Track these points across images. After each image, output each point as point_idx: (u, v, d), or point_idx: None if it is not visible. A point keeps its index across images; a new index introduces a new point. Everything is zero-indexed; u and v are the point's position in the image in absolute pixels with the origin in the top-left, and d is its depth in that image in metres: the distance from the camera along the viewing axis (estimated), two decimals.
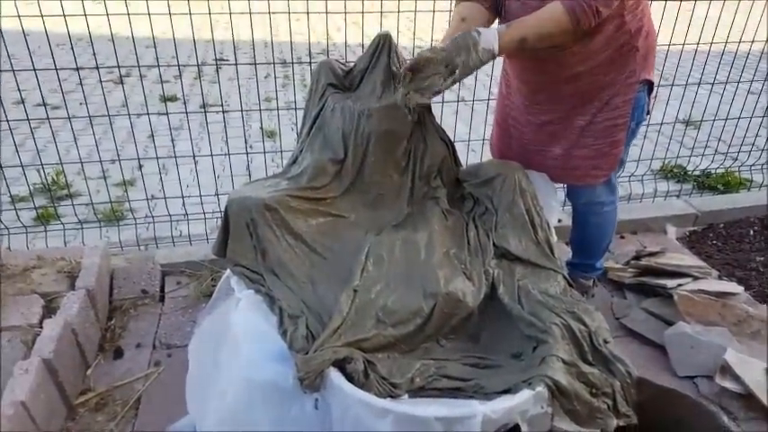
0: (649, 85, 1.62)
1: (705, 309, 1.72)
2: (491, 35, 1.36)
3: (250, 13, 1.96)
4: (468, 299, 1.41)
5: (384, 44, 1.66)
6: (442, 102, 2.30)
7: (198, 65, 2.20)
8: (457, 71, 1.36)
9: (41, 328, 1.69)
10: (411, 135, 1.63)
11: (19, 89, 2.14)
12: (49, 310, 1.85)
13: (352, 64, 1.76)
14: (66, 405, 1.61)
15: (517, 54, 1.52)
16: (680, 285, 1.82)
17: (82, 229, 2.32)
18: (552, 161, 1.69)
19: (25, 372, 1.45)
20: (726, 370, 1.53)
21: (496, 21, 1.60)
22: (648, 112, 1.70)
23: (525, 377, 1.19)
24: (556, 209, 1.73)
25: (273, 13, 1.93)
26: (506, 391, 1.16)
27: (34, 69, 1.98)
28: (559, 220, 2.15)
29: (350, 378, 1.19)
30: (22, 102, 2.16)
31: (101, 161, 2.23)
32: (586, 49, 1.48)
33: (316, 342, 1.24)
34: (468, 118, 2.66)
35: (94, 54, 2.15)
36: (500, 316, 1.43)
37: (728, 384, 1.50)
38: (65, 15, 1.81)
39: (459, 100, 2.44)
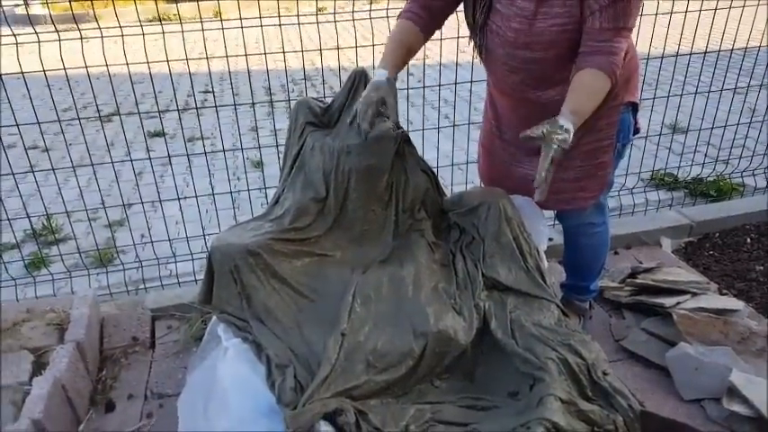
0: (633, 107, 1.60)
1: (706, 327, 1.67)
2: (571, 128, 1.34)
3: (227, 56, 1.96)
4: (460, 336, 1.37)
5: (360, 79, 1.66)
6: (422, 129, 2.28)
7: (178, 109, 2.18)
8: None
9: (31, 385, 1.65)
10: (392, 168, 1.61)
11: (1, 141, 2.12)
12: (39, 365, 1.81)
13: (330, 100, 1.75)
14: None
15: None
16: (678, 303, 1.78)
17: (71, 278, 2.29)
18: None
19: None
20: (733, 392, 1.48)
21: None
22: (637, 131, 1.67)
23: (523, 420, 1.16)
24: (544, 233, 1.70)
25: (250, 54, 1.94)
26: None
27: (17, 125, 1.98)
28: (551, 239, 2.11)
29: (342, 431, 1.15)
30: (4, 150, 2.14)
31: (86, 210, 2.22)
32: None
33: (304, 394, 1.21)
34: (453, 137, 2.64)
35: (73, 99, 2.15)
36: (494, 351, 1.39)
37: (737, 408, 1.45)
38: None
39: (453, 124, 2.40)
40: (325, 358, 1.30)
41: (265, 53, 1.99)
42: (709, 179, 2.85)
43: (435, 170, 1.72)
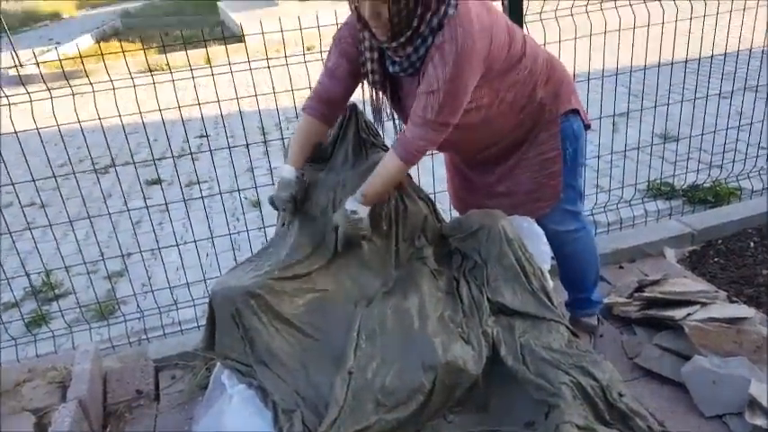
0: (574, 112, 1.62)
1: (719, 338, 1.64)
2: (361, 209, 1.49)
3: (218, 101, 1.99)
4: (470, 366, 1.34)
5: (352, 114, 1.68)
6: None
7: (173, 156, 2.20)
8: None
9: None
10: (389, 199, 1.61)
11: None
12: (41, 426, 1.76)
13: None
14: None
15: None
16: (689, 315, 1.74)
17: (71, 333, 2.26)
18: (503, 198, 1.70)
19: None
20: (754, 405, 1.44)
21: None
22: (587, 127, 1.68)
23: None
24: (546, 253, 1.68)
25: (241, 97, 1.96)
26: None
27: (12, 183, 2.00)
28: (553, 258, 2.10)
29: None
30: (0, 210, 2.15)
31: (85, 263, 2.21)
32: (490, 129, 1.53)
33: None
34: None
35: (67, 153, 2.16)
36: (506, 379, 1.36)
37: (760, 421, 1.40)
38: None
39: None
40: (332, 399, 1.26)
41: (256, 95, 2.02)
42: (705, 185, 2.85)
43: (432, 196, 1.72)
